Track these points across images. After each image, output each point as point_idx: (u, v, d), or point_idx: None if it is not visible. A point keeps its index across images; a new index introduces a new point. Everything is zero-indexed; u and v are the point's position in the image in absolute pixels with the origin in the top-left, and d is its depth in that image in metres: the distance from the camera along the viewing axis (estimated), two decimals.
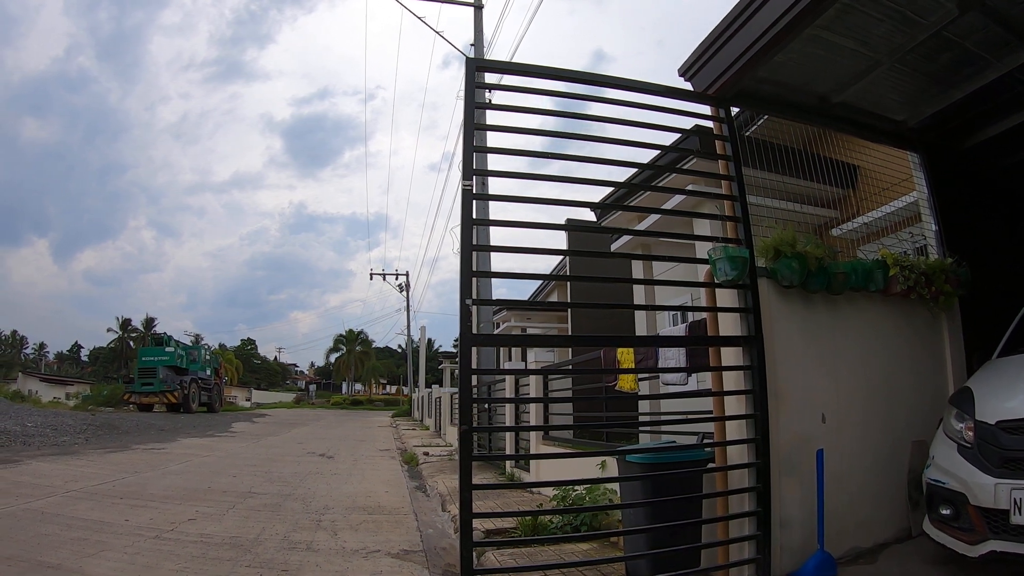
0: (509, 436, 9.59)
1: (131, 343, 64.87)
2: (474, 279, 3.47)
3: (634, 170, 6.05)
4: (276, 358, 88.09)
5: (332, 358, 72.87)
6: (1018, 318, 4.17)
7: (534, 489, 6.81)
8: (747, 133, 5.01)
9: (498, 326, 18.99)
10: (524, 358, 13.43)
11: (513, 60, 12.42)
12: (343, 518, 6.34)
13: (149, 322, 68.36)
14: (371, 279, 46.51)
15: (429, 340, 54.46)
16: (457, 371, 3.46)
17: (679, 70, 4.32)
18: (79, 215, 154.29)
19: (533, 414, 8.30)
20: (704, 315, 4.13)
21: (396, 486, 8.97)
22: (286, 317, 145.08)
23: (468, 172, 3.45)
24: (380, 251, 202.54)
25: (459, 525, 3.22)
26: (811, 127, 4.81)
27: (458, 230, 3.42)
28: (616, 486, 4.89)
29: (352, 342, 69.63)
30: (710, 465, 3.79)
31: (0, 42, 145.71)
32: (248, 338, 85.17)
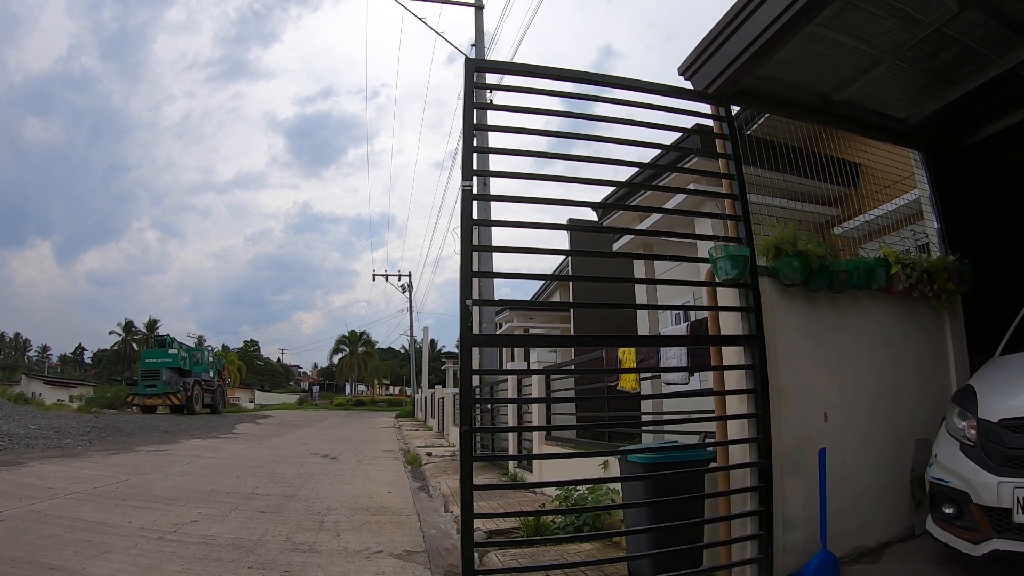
0: (511, 436, 9.59)
1: (134, 345, 65.03)
2: (475, 280, 3.47)
3: (635, 169, 6.04)
4: (279, 359, 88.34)
5: (335, 359, 72.95)
6: (1021, 316, 4.15)
7: (537, 489, 6.82)
8: (748, 132, 5.00)
9: (501, 326, 19.00)
10: (527, 358, 13.44)
11: (516, 59, 12.46)
12: (346, 519, 6.35)
13: (152, 324, 68.64)
14: (374, 280, 47.29)
15: (432, 340, 54.69)
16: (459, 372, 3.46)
17: (679, 69, 4.31)
18: (83, 216, 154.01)
19: (536, 414, 8.31)
20: (706, 314, 4.12)
21: (399, 487, 8.98)
22: (290, 318, 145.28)
23: (468, 173, 3.45)
24: (384, 251, 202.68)
25: (461, 525, 3.22)
26: (812, 125, 4.80)
27: (459, 231, 3.42)
28: (618, 486, 4.89)
29: (355, 343, 69.67)
30: (712, 465, 3.79)
31: (3, 41, 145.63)
32: (251, 339, 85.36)
